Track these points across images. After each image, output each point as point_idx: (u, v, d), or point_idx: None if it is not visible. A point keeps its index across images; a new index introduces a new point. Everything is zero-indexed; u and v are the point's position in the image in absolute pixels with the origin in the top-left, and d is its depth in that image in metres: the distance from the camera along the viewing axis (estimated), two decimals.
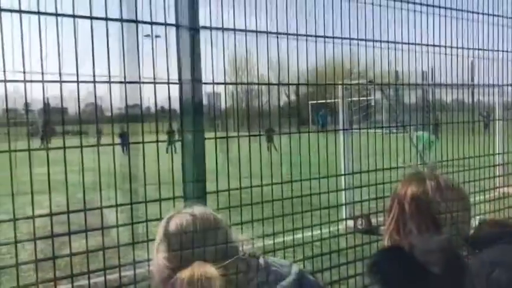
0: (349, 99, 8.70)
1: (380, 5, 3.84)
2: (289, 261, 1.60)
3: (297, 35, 3.43)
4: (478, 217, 1.63)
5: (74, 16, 2.50)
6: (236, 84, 3.87)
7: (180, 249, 1.33)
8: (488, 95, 6.19)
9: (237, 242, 1.45)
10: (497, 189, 5.84)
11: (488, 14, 4.71)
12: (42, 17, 2.44)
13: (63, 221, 2.72)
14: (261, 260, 1.48)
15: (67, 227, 2.73)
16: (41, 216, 2.77)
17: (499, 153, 7.53)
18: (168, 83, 2.88)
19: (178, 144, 3.03)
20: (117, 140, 2.98)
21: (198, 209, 1.43)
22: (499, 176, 6.23)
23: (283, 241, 3.69)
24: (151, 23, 2.80)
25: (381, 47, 3.92)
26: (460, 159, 5.23)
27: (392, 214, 1.65)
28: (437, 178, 1.61)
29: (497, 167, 6.27)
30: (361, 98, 9.63)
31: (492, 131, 9.78)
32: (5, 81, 2.34)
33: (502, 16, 4.86)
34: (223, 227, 1.41)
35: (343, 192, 6.54)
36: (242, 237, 1.52)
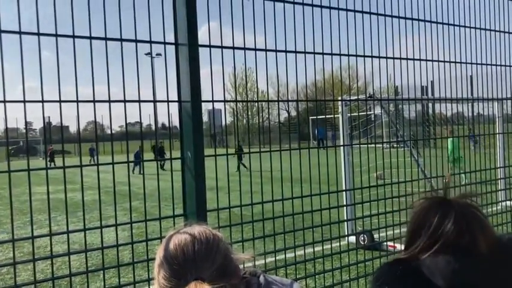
0: (349, 114, 8.69)
1: (378, 21, 3.86)
2: (290, 280, 1.58)
3: (296, 52, 3.44)
4: None
5: (73, 36, 2.52)
6: (236, 102, 3.87)
7: (179, 269, 1.32)
8: (488, 109, 6.20)
9: (237, 261, 1.44)
10: (500, 203, 5.82)
11: (486, 29, 4.74)
12: (41, 38, 2.46)
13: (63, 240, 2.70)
14: (261, 279, 1.47)
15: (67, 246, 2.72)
16: (40, 236, 2.76)
17: (500, 167, 7.51)
18: (168, 101, 2.89)
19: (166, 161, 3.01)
20: (130, 159, 2.97)
21: (197, 228, 1.42)
22: (501, 190, 6.20)
23: (285, 258, 3.66)
24: (151, 42, 2.82)
25: (379, 62, 3.93)
26: (461, 173, 5.21)
27: (417, 245, 1.49)
28: (466, 207, 1.50)
29: (499, 181, 6.25)
30: (361, 113, 9.63)
31: (487, 145, 9.73)
32: (5, 101, 2.35)
33: (499, 31, 4.89)
34: (223, 245, 1.40)
35: (345, 208, 6.51)
36: (243, 255, 1.50)
